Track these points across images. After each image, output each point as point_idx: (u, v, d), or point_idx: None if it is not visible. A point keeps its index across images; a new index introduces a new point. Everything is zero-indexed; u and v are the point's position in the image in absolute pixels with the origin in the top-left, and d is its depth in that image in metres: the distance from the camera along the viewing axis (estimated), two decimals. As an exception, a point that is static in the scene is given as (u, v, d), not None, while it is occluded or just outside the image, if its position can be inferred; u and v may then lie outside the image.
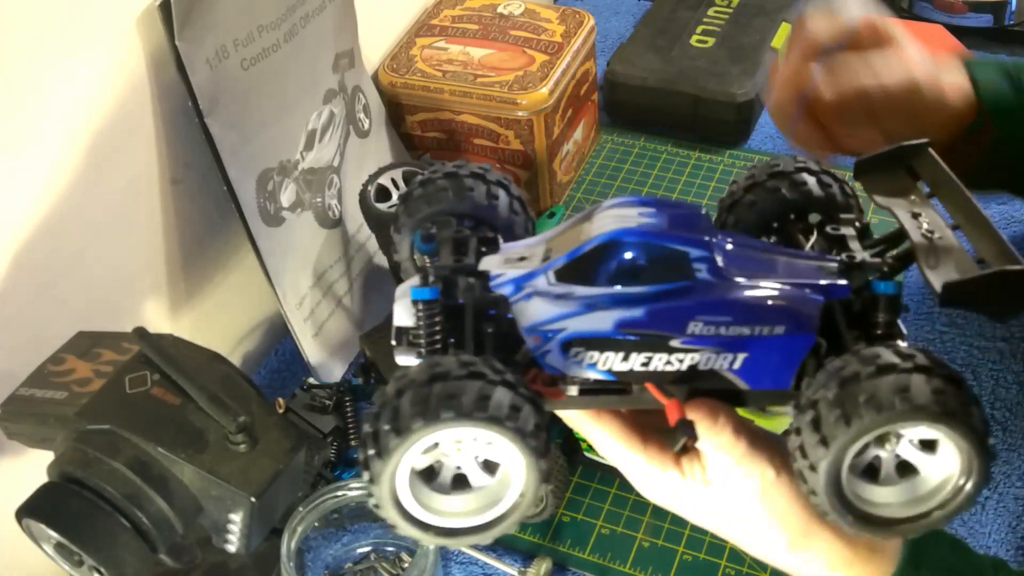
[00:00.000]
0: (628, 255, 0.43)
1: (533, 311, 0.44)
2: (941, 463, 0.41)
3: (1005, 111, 0.64)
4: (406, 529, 0.43)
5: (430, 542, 0.43)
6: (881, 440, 0.41)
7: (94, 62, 0.66)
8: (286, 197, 0.81)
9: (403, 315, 0.46)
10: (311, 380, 0.84)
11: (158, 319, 0.79)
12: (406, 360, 0.46)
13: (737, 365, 0.44)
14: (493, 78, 0.92)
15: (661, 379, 0.45)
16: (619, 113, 1.10)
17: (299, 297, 0.83)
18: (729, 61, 1.06)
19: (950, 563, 0.50)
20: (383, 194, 0.83)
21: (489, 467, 0.43)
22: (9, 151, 0.62)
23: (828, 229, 0.49)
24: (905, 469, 0.42)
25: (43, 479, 0.55)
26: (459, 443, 0.42)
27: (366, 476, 0.41)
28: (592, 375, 0.45)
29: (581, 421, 0.50)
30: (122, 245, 0.73)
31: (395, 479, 0.41)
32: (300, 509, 0.68)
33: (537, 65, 0.93)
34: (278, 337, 0.92)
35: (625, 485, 0.76)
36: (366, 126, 0.92)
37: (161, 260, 0.78)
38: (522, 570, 0.71)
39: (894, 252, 0.47)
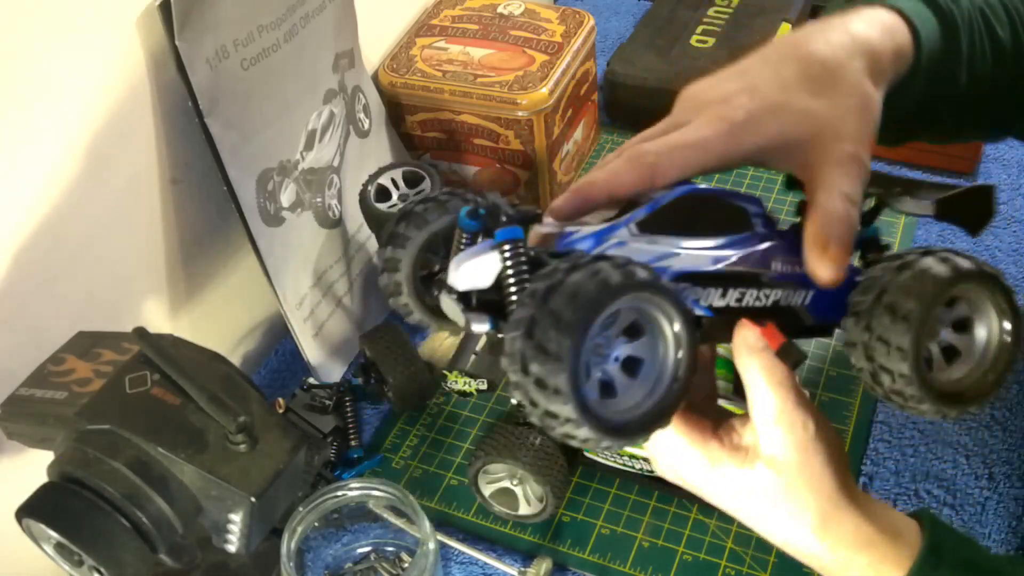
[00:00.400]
0: (700, 207, 0.47)
1: (632, 255, 0.44)
2: (978, 333, 0.48)
3: (933, 59, 0.58)
4: (579, 419, 0.39)
5: (596, 439, 0.40)
6: (931, 333, 0.46)
7: (94, 62, 0.66)
8: (286, 197, 0.81)
9: (470, 277, 0.44)
10: (311, 380, 0.84)
11: (158, 319, 0.79)
12: (480, 327, 0.44)
13: (807, 300, 0.49)
14: (493, 78, 0.93)
15: (751, 315, 0.48)
16: (619, 113, 1.10)
17: (299, 297, 0.83)
18: (729, 61, 1.05)
19: (967, 554, 0.50)
20: (383, 194, 0.83)
21: (629, 369, 0.42)
22: (9, 151, 0.62)
23: None
24: (951, 355, 0.48)
25: (43, 479, 0.55)
26: (600, 352, 0.41)
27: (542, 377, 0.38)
28: (695, 311, 0.46)
29: None
30: (122, 245, 0.73)
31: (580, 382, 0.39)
32: (300, 509, 0.68)
33: (537, 65, 0.93)
34: (278, 337, 0.92)
35: (625, 485, 0.76)
36: (366, 126, 0.92)
37: (161, 260, 0.78)
38: (522, 570, 0.71)
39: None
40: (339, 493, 0.69)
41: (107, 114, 0.68)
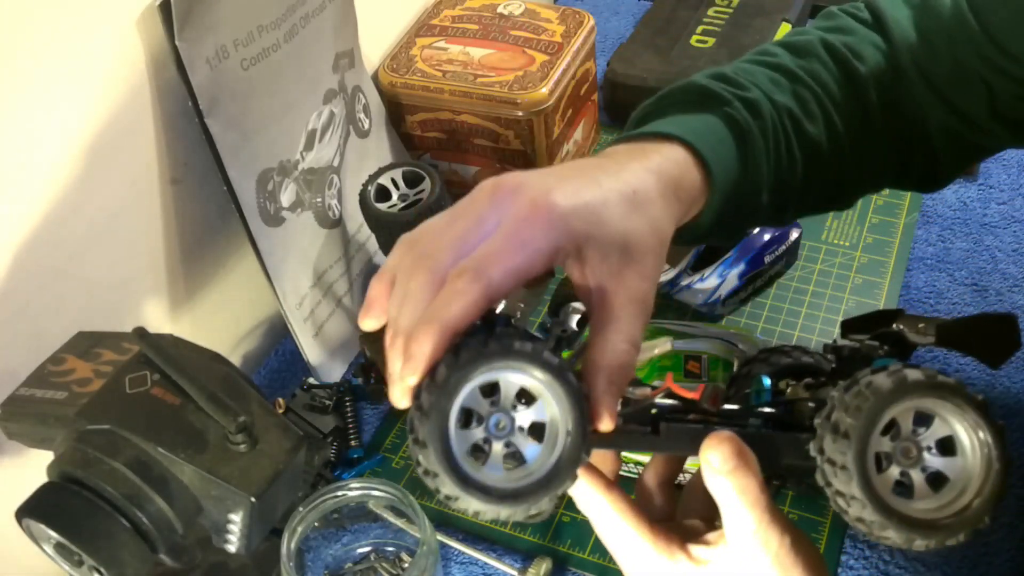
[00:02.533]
0: None
1: None
2: (962, 455, 0.43)
3: (730, 180, 0.56)
4: (463, 497, 0.41)
5: (492, 509, 0.41)
6: (906, 453, 0.43)
7: (94, 62, 0.66)
8: (286, 197, 0.81)
9: None
10: (311, 380, 0.84)
11: (158, 319, 0.79)
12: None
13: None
14: (493, 78, 0.93)
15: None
16: (619, 113, 1.10)
17: (299, 297, 0.83)
18: (729, 61, 1.05)
19: None
20: (383, 194, 0.83)
21: (536, 433, 0.42)
22: (9, 151, 0.62)
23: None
24: (937, 482, 0.44)
25: (43, 479, 0.55)
26: (502, 425, 0.42)
27: (418, 433, 0.40)
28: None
29: (589, 495, 0.48)
30: (122, 245, 0.73)
31: (448, 435, 0.40)
32: (300, 509, 0.68)
33: (537, 65, 0.93)
34: (278, 337, 0.92)
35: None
36: (366, 126, 0.92)
37: (161, 260, 0.78)
38: (522, 570, 0.71)
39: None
40: (339, 493, 0.69)
41: (107, 114, 0.68)
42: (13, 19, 0.60)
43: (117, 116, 0.69)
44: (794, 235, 0.89)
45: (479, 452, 0.42)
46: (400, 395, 0.43)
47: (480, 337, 0.41)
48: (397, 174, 0.83)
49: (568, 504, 0.75)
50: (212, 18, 0.69)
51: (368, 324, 0.47)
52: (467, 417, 0.41)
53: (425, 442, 0.40)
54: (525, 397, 0.42)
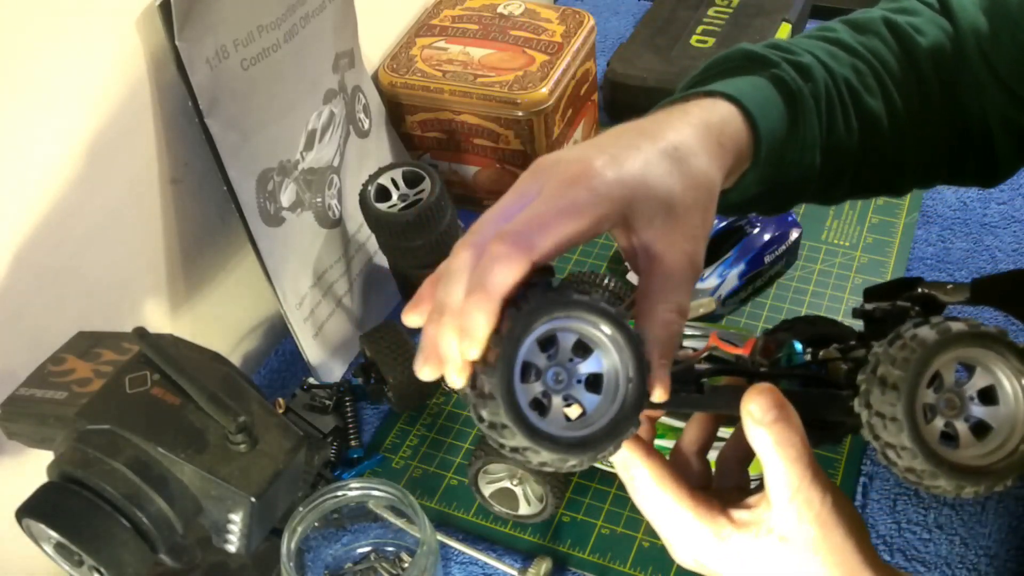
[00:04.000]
0: None
1: None
2: (1005, 403, 0.44)
3: (777, 140, 0.55)
4: (533, 447, 0.40)
5: (560, 459, 0.41)
6: (950, 404, 0.44)
7: (94, 62, 0.66)
8: (286, 197, 0.81)
9: None
10: (311, 380, 0.84)
11: (158, 319, 0.79)
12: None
13: None
14: (493, 78, 0.92)
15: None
16: (619, 113, 1.10)
17: (299, 297, 0.83)
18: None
19: None
20: (383, 194, 0.83)
21: (593, 385, 0.43)
22: (9, 150, 0.62)
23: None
24: (981, 431, 0.44)
25: (43, 479, 0.55)
26: (560, 378, 0.42)
27: (483, 387, 0.40)
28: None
29: (630, 461, 0.48)
30: (122, 245, 0.73)
31: (515, 387, 0.40)
32: (300, 509, 0.68)
33: (537, 65, 0.93)
34: (278, 337, 0.92)
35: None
36: (366, 126, 0.92)
37: (161, 260, 0.78)
38: (522, 570, 0.71)
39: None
40: (339, 493, 0.69)
41: (107, 114, 0.68)
42: (13, 19, 0.60)
43: (117, 116, 0.69)
44: (794, 235, 0.89)
45: (539, 406, 0.42)
46: (456, 373, 0.42)
47: (538, 291, 0.41)
48: (397, 174, 0.83)
49: (568, 504, 0.75)
50: (212, 18, 0.69)
51: (412, 320, 0.46)
52: (525, 371, 0.41)
53: (492, 394, 0.39)
54: (581, 349, 0.42)
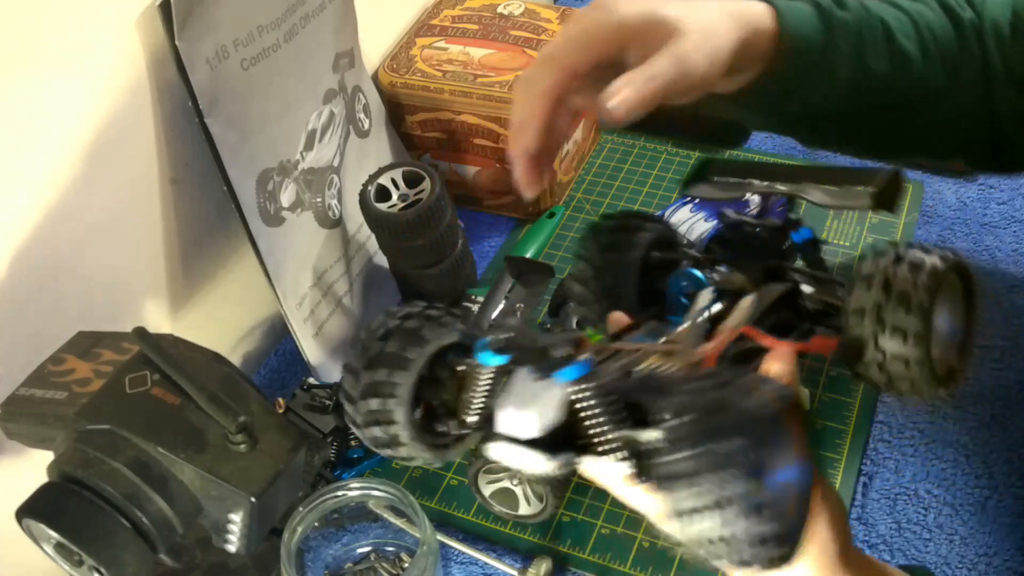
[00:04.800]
0: None
1: None
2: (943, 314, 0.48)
3: (807, 48, 0.57)
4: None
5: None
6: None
7: (94, 62, 0.66)
8: (286, 197, 0.81)
9: (535, 422, 0.43)
10: (311, 380, 0.84)
11: (158, 319, 0.79)
12: (557, 466, 0.44)
13: None
14: (493, 78, 0.92)
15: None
16: (619, 113, 1.10)
17: (299, 297, 0.83)
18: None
19: None
20: (383, 194, 0.83)
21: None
22: (9, 151, 0.62)
23: None
24: None
25: (43, 479, 0.55)
26: None
27: None
28: None
29: (603, 465, 0.47)
30: (122, 245, 0.73)
31: None
32: (300, 509, 0.68)
33: (537, 65, 0.93)
34: (278, 337, 0.92)
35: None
36: (366, 126, 0.92)
37: (161, 260, 0.78)
38: (522, 570, 0.71)
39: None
40: (339, 493, 0.69)
41: (107, 114, 0.68)
42: (13, 19, 0.60)
43: (117, 116, 0.69)
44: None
45: None
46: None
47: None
48: (397, 174, 0.83)
49: (568, 504, 0.75)
50: (212, 18, 0.69)
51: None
52: None
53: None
54: None
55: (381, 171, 0.83)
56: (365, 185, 0.82)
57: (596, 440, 0.42)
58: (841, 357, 0.49)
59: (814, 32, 0.57)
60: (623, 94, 0.48)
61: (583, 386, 0.41)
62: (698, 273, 0.53)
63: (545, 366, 0.42)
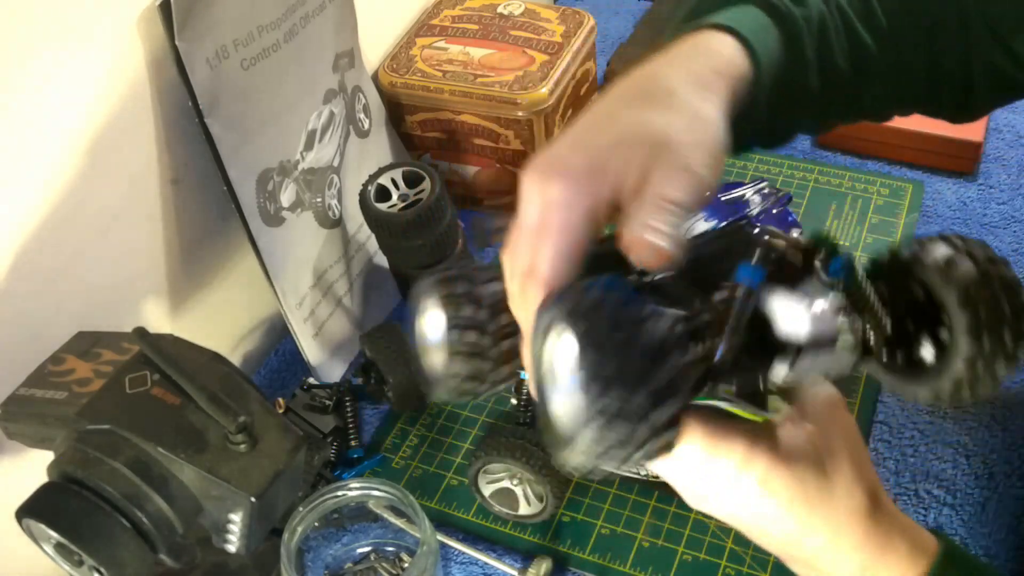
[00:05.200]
0: None
1: None
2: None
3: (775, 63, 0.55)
4: None
5: None
6: None
7: (94, 62, 0.66)
8: (286, 197, 0.81)
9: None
10: (311, 380, 0.84)
11: (158, 319, 0.79)
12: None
13: None
14: (493, 78, 0.93)
15: None
16: (619, 113, 1.10)
17: (299, 297, 0.83)
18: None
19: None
20: (383, 194, 0.83)
21: None
22: (9, 151, 0.62)
23: None
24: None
25: (43, 479, 0.55)
26: None
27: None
28: None
29: None
30: (122, 245, 0.73)
31: None
32: (300, 509, 0.68)
33: (537, 65, 0.93)
34: (278, 337, 0.92)
35: (625, 485, 0.76)
36: (366, 126, 0.92)
37: (161, 260, 0.78)
38: (522, 570, 0.71)
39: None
40: (339, 493, 0.69)
41: (107, 114, 0.68)
42: (13, 19, 0.60)
43: (117, 116, 0.69)
44: (794, 235, 0.89)
45: None
46: None
47: None
48: (397, 174, 0.83)
49: (568, 504, 0.75)
50: (212, 18, 0.69)
51: None
52: None
53: None
54: None
55: (381, 171, 0.83)
56: (365, 185, 0.82)
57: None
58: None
59: (777, 45, 0.55)
60: (662, 252, 0.42)
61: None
62: None
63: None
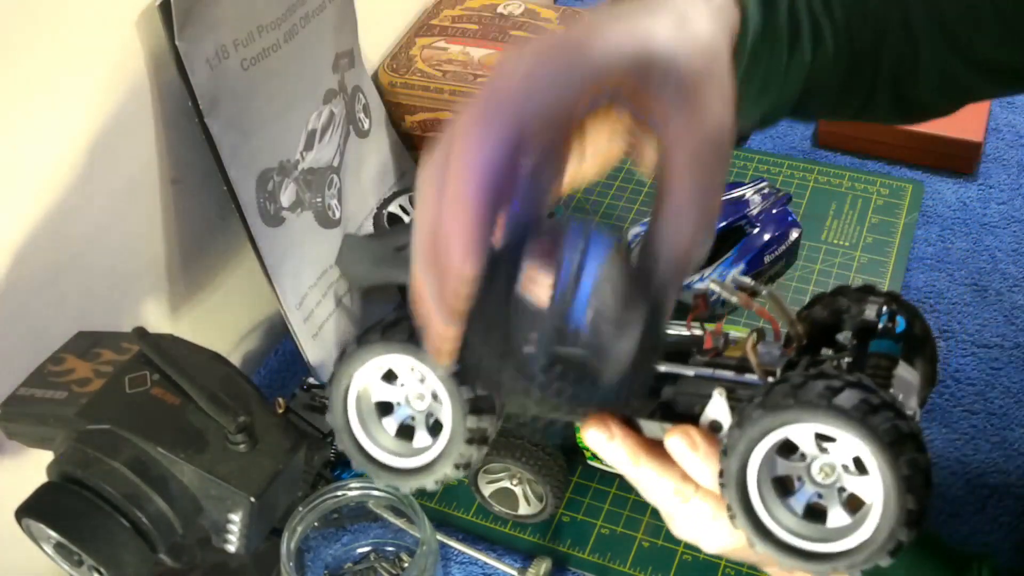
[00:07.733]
0: None
1: None
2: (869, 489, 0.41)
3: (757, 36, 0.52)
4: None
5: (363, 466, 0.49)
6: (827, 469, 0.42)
7: (94, 62, 0.66)
8: (286, 197, 0.81)
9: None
10: (311, 380, 0.84)
11: (158, 319, 0.79)
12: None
13: None
14: (493, 78, 0.92)
15: None
16: (619, 113, 1.10)
17: (299, 297, 0.83)
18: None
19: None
20: (394, 221, 0.83)
21: (435, 430, 0.48)
22: (9, 150, 0.62)
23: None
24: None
25: (43, 479, 0.55)
26: (420, 397, 0.48)
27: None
28: None
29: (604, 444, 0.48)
30: (122, 245, 0.73)
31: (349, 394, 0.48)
32: (300, 509, 0.68)
33: (537, 65, 0.93)
34: (278, 337, 0.92)
35: (625, 485, 0.76)
36: (366, 126, 0.92)
37: (161, 260, 0.78)
38: (522, 570, 0.71)
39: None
40: (339, 493, 0.69)
41: (107, 114, 0.68)
42: (13, 19, 0.60)
43: (117, 116, 0.69)
44: (794, 235, 0.89)
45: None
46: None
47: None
48: (406, 200, 0.84)
49: (568, 504, 0.75)
50: (212, 18, 0.69)
51: None
52: None
53: None
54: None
55: (394, 195, 0.84)
56: (379, 210, 0.83)
57: None
58: None
59: (759, 17, 0.52)
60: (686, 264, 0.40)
61: None
62: None
63: None
